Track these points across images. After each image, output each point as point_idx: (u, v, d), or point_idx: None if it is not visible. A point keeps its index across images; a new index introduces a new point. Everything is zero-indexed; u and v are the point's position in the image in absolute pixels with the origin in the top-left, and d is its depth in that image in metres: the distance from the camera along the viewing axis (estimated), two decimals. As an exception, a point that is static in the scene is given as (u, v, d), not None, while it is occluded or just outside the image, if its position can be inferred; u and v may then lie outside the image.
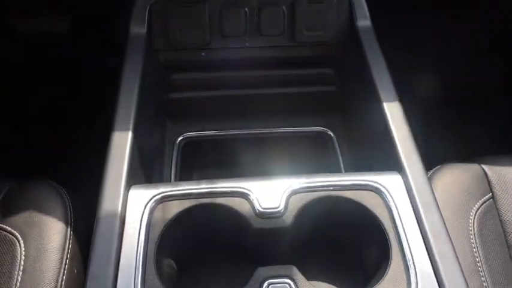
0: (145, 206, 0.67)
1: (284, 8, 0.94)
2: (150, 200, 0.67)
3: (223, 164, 1.03)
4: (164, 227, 0.65)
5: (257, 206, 0.67)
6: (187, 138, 0.99)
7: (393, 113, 0.80)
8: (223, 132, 1.00)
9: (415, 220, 0.67)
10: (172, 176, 0.94)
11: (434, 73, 1.81)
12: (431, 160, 1.58)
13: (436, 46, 1.86)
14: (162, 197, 0.68)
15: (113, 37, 1.42)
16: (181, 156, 0.97)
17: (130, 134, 0.75)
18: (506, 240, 0.86)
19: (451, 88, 1.81)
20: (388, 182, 0.71)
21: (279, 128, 1.02)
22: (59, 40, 1.70)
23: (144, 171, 0.83)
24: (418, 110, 1.72)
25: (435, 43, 1.88)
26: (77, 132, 1.56)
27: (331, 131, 1.01)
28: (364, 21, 0.93)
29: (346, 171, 0.95)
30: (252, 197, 0.68)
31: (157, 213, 0.67)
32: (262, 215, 0.66)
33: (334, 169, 0.97)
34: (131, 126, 0.77)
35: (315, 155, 1.03)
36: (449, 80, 1.80)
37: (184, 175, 0.98)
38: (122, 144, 0.73)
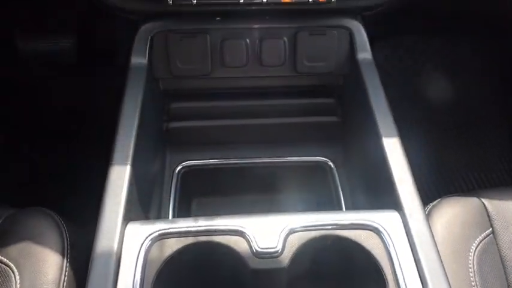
0: (142, 244, 0.66)
1: (285, 39, 0.94)
2: (147, 237, 0.67)
3: (222, 194, 1.03)
4: (160, 265, 0.65)
5: (254, 246, 0.66)
6: (186, 167, 0.99)
7: (392, 149, 0.80)
8: (223, 161, 1.00)
9: (413, 260, 0.67)
10: (171, 206, 0.93)
11: (433, 102, 1.83)
12: (431, 192, 1.59)
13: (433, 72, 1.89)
14: (159, 235, 0.67)
15: (116, 58, 1.43)
16: (180, 185, 0.97)
17: (128, 168, 0.75)
18: (507, 278, 0.85)
19: (450, 117, 1.82)
20: (386, 221, 0.71)
21: (279, 157, 1.01)
22: (62, 60, 1.71)
23: (142, 202, 0.82)
24: (419, 140, 1.75)
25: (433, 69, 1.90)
26: (77, 159, 1.56)
27: (332, 162, 1.01)
28: (364, 54, 0.94)
29: (345, 203, 0.95)
30: (250, 235, 0.67)
31: (154, 252, 0.66)
32: (259, 255, 0.66)
33: (333, 201, 0.97)
34: (130, 158, 0.76)
35: (315, 186, 1.02)
36: (446, 110, 1.81)
37: (183, 205, 0.97)
38: (120, 178, 0.73)
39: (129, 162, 0.76)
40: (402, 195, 0.74)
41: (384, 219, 0.71)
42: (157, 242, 0.67)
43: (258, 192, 1.03)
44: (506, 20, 1.55)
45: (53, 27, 1.55)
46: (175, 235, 0.67)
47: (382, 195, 0.80)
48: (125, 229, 0.68)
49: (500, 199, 0.94)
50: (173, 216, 0.93)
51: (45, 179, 1.53)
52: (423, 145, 1.75)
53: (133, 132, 0.81)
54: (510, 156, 1.71)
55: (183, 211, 0.98)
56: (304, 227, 0.69)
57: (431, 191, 1.59)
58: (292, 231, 0.68)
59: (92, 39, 1.60)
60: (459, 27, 1.79)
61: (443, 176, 1.66)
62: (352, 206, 0.95)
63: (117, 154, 0.77)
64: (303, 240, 0.68)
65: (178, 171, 0.98)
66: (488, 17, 1.59)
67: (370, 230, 0.70)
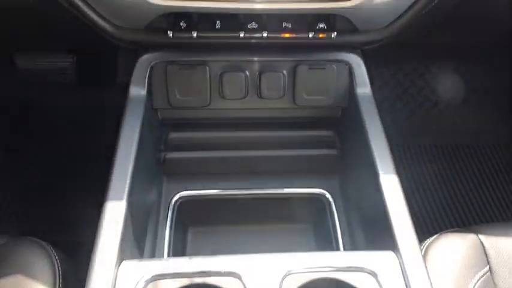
0: (136, 285, 0.65)
1: (285, 72, 0.95)
2: (141, 279, 0.66)
3: (219, 224, 1.02)
4: None
5: None
6: (183, 197, 0.98)
7: (389, 187, 0.79)
8: (220, 192, 0.99)
9: None
10: (167, 238, 0.92)
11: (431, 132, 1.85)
12: (428, 227, 1.58)
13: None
14: (153, 276, 0.66)
15: (115, 77, 1.43)
16: (176, 216, 0.96)
17: (125, 203, 0.74)
18: (504, 318, 0.85)
19: (448, 149, 1.83)
20: (383, 263, 0.70)
21: (277, 188, 1.01)
22: (61, 78, 1.71)
23: (137, 236, 0.81)
24: (416, 172, 1.76)
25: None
26: (73, 188, 1.55)
27: (330, 194, 1.00)
28: (363, 89, 0.94)
29: (343, 237, 0.94)
30: (245, 277, 0.66)
31: None
32: None
33: (330, 234, 0.96)
34: (126, 192, 0.76)
35: (313, 218, 1.02)
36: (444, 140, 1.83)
37: (179, 235, 0.96)
38: (116, 214, 0.73)
39: (125, 197, 0.75)
40: (399, 236, 0.73)
41: (381, 261, 0.71)
42: (151, 284, 0.66)
43: (255, 223, 1.02)
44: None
45: (52, 47, 1.55)
46: (169, 276, 0.66)
47: (380, 232, 0.80)
48: (118, 268, 0.67)
49: (497, 235, 0.93)
50: (169, 249, 0.91)
51: (38, 207, 1.51)
52: (422, 175, 1.76)
53: (131, 165, 0.81)
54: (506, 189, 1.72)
55: (178, 242, 0.97)
56: (300, 269, 0.68)
57: (430, 222, 1.59)
58: (288, 273, 0.68)
59: (91, 58, 1.61)
60: (457, 54, 1.81)
61: (442, 207, 1.66)
62: (350, 240, 0.94)
63: (113, 189, 0.76)
64: (299, 283, 0.67)
65: (175, 201, 0.97)
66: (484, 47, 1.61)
67: (367, 273, 0.70)
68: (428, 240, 0.92)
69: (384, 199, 0.78)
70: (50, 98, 1.87)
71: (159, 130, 1.01)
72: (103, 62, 1.59)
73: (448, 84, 1.97)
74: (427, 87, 1.95)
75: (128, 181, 0.78)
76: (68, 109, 1.87)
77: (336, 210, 0.98)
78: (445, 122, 1.94)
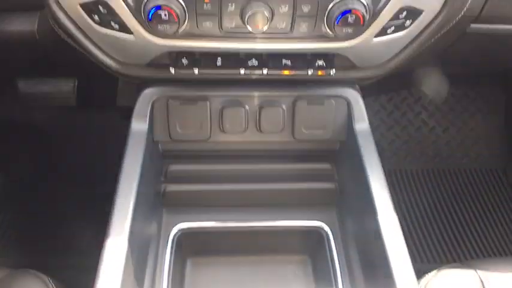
0: None
1: (284, 107, 0.96)
2: None
3: (218, 255, 1.02)
4: None
5: None
6: (182, 229, 0.98)
7: (387, 223, 0.80)
8: (219, 225, 1.00)
9: None
10: (165, 271, 0.92)
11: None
12: (427, 257, 1.58)
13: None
14: None
15: (115, 99, 1.45)
16: (175, 248, 0.96)
17: (126, 237, 0.75)
18: None
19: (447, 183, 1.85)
20: None
21: (276, 221, 1.01)
22: (62, 102, 1.73)
23: (137, 270, 0.82)
24: (414, 199, 1.77)
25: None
26: (74, 217, 1.56)
27: (328, 227, 1.01)
28: (362, 124, 0.96)
29: (341, 271, 0.94)
30: None
31: None
32: None
33: (329, 267, 0.96)
34: (127, 225, 0.77)
35: (311, 250, 1.02)
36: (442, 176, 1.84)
37: (177, 266, 0.96)
38: (117, 248, 0.74)
39: (127, 231, 0.77)
40: (397, 275, 0.74)
41: None
42: None
43: (254, 254, 1.02)
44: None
45: (54, 73, 1.57)
46: None
47: (378, 268, 0.80)
48: None
49: (496, 271, 0.94)
50: (168, 281, 0.91)
51: (38, 236, 1.51)
52: (421, 202, 1.77)
53: (132, 199, 0.82)
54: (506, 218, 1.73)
55: (177, 273, 0.97)
56: None
57: (430, 252, 1.59)
58: None
59: (92, 82, 1.63)
60: (453, 80, 1.83)
61: (441, 236, 1.67)
62: (349, 275, 0.94)
63: (115, 223, 0.77)
64: None
65: (174, 234, 0.98)
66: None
67: None
68: (427, 276, 0.92)
69: (382, 237, 0.78)
70: (50, 119, 1.89)
71: (159, 162, 1.02)
72: (103, 85, 1.61)
73: (444, 108, 2.00)
74: (424, 112, 1.98)
75: (130, 215, 0.79)
76: (68, 130, 1.89)
77: (334, 242, 0.99)
78: (442, 147, 1.96)
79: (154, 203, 0.99)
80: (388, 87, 1.87)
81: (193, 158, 1.03)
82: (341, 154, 1.03)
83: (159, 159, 1.02)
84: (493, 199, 1.83)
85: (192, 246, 1.01)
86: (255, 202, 1.02)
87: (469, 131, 1.98)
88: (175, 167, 1.02)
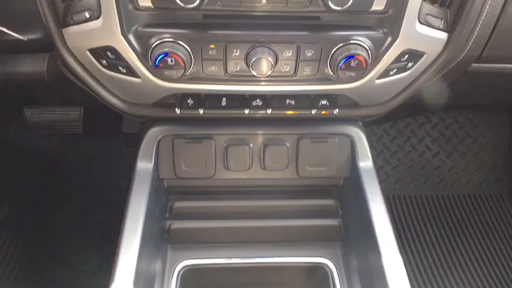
0: None
1: (288, 144, 0.97)
2: None
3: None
4: None
5: None
6: (186, 266, 0.99)
7: (391, 265, 0.81)
8: (223, 261, 1.00)
9: None
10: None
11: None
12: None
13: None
14: None
15: (120, 127, 1.46)
16: (180, 285, 0.96)
17: (132, 276, 0.77)
18: None
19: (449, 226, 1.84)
20: None
21: (280, 257, 1.01)
22: (67, 129, 1.75)
23: None
24: (419, 228, 1.76)
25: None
26: (77, 251, 1.56)
27: (332, 263, 1.00)
28: (365, 162, 0.96)
29: None
30: None
31: None
32: None
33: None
34: (133, 263, 0.79)
35: (316, 287, 1.02)
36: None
37: None
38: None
39: (133, 269, 0.78)
40: None
41: None
42: None
43: None
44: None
45: (60, 103, 1.59)
46: None
47: None
48: None
49: None
50: None
51: (40, 274, 1.51)
52: (426, 231, 1.75)
53: (138, 237, 0.83)
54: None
55: None
56: None
57: (437, 285, 1.57)
58: None
59: (98, 110, 1.65)
60: (456, 106, 1.84)
61: (447, 265, 1.65)
62: None
63: (121, 262, 0.79)
64: None
65: (179, 270, 0.98)
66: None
67: None
68: None
69: (386, 279, 0.78)
70: (56, 146, 1.90)
71: (164, 199, 1.03)
72: (109, 113, 1.63)
73: (448, 133, 2.00)
74: (427, 137, 1.98)
75: (136, 254, 0.80)
76: (74, 157, 1.90)
77: (339, 279, 0.98)
78: (447, 172, 1.96)
79: (159, 239, 0.99)
80: (392, 117, 1.88)
81: (198, 194, 1.04)
82: (345, 190, 1.03)
83: (164, 195, 1.02)
84: (499, 226, 1.81)
85: (196, 283, 1.01)
86: (260, 239, 1.02)
87: (472, 156, 1.98)
88: (180, 204, 1.03)
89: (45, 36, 0.82)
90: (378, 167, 1.88)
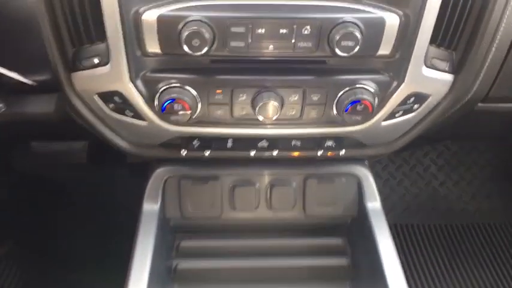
0: None
1: (295, 184, 0.97)
2: None
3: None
4: None
5: None
6: None
7: None
8: None
9: None
10: None
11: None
12: None
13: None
14: None
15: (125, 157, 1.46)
16: None
17: None
18: None
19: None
20: None
21: None
22: (73, 159, 1.75)
23: None
24: (428, 258, 1.73)
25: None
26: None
27: None
28: (373, 202, 0.95)
29: None
30: None
31: None
32: None
33: None
34: None
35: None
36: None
37: None
38: None
39: None
40: None
41: None
42: None
43: None
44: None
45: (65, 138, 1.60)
46: None
47: None
48: None
49: None
50: None
51: None
52: (435, 260, 1.72)
53: (145, 278, 0.82)
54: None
55: None
56: None
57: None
58: None
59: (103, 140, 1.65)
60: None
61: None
62: None
63: None
64: None
65: None
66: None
67: None
68: None
69: None
70: (61, 175, 1.91)
71: (171, 237, 1.02)
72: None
73: (454, 162, 1.99)
74: (433, 165, 1.97)
75: None
76: (79, 186, 1.90)
77: None
78: (454, 201, 1.93)
79: (166, 279, 0.98)
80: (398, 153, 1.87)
81: (204, 232, 1.03)
82: (353, 229, 1.02)
83: (170, 234, 1.02)
84: (510, 256, 1.78)
85: None
86: (267, 278, 1.00)
87: (480, 184, 1.96)
88: (186, 243, 1.02)
89: (53, 78, 0.83)
90: (385, 196, 1.86)
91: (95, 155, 1.72)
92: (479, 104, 0.93)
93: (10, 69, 0.83)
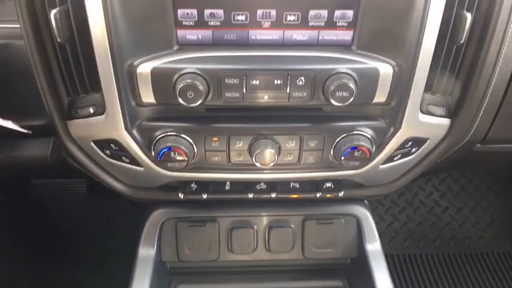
0: None
1: (293, 226, 0.96)
2: None
3: None
4: None
5: None
6: None
7: None
8: None
9: None
10: None
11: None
12: None
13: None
14: None
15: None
16: None
17: None
18: None
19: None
20: None
21: None
22: (72, 193, 1.75)
23: None
24: None
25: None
26: None
27: None
28: (373, 244, 0.94)
29: None
30: None
31: None
32: None
33: None
34: None
35: None
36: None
37: None
38: None
39: None
40: None
41: None
42: None
43: None
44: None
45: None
46: None
47: None
48: None
49: None
50: None
51: None
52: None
53: None
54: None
55: None
56: None
57: None
58: None
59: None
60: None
61: None
62: None
63: None
64: None
65: None
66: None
67: None
68: None
69: None
70: (60, 207, 1.89)
71: (167, 280, 1.00)
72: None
73: (456, 188, 1.97)
74: (435, 192, 1.95)
75: None
76: (78, 217, 1.89)
77: None
78: (457, 228, 1.91)
79: None
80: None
81: (201, 275, 1.01)
82: (352, 269, 1.00)
83: (166, 277, 1.00)
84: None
85: None
86: None
87: (482, 211, 1.93)
88: (183, 287, 1.00)
89: (49, 123, 0.83)
90: (387, 224, 1.84)
91: (94, 186, 1.72)
92: (478, 145, 0.92)
93: (5, 116, 0.83)
